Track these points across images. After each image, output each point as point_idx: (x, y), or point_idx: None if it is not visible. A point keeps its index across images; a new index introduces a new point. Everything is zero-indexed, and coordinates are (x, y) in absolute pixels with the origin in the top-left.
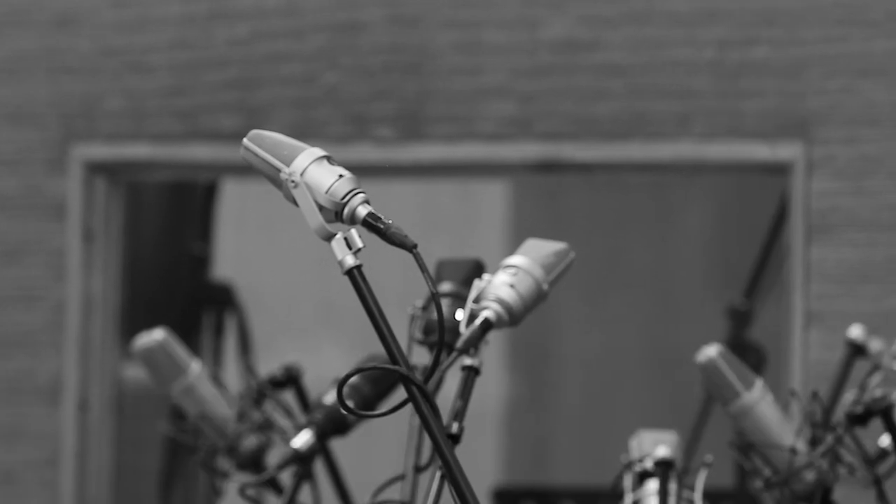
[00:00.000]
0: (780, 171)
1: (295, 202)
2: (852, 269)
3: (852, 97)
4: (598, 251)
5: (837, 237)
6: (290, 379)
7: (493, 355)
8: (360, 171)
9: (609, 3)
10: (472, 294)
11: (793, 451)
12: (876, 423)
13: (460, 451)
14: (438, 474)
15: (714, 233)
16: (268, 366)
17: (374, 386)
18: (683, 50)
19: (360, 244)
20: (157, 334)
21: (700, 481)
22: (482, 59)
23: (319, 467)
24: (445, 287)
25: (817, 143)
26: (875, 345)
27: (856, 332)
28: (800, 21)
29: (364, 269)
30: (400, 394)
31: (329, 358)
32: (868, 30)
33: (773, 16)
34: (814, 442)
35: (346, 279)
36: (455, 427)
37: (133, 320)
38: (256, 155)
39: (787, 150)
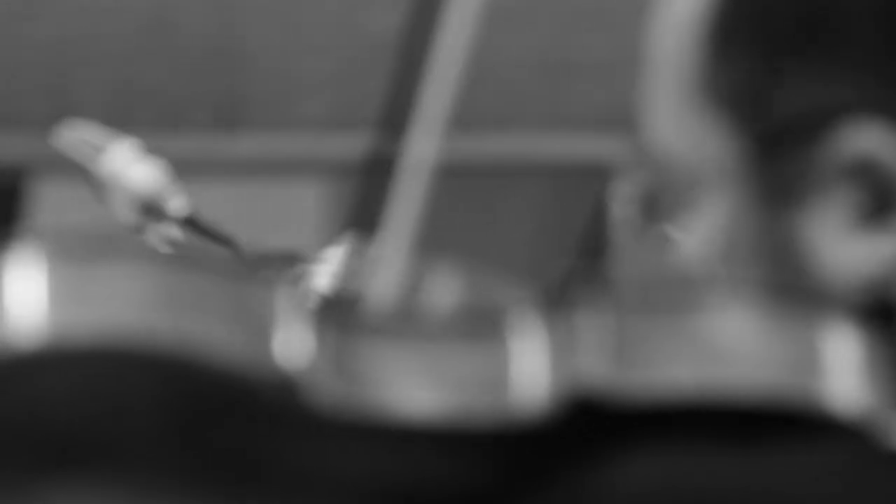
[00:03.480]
0: (600, 172)
1: (107, 198)
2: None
3: None
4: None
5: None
6: None
7: None
8: (177, 167)
9: None
10: None
11: None
12: None
13: None
14: None
15: (532, 234)
16: None
17: None
18: (509, 49)
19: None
20: None
21: None
22: (300, 58)
23: None
24: None
25: (637, 144)
26: None
27: None
28: (620, 20)
29: None
30: None
31: None
32: None
33: (595, 15)
34: None
35: None
36: None
37: None
38: (70, 149)
39: (608, 151)
